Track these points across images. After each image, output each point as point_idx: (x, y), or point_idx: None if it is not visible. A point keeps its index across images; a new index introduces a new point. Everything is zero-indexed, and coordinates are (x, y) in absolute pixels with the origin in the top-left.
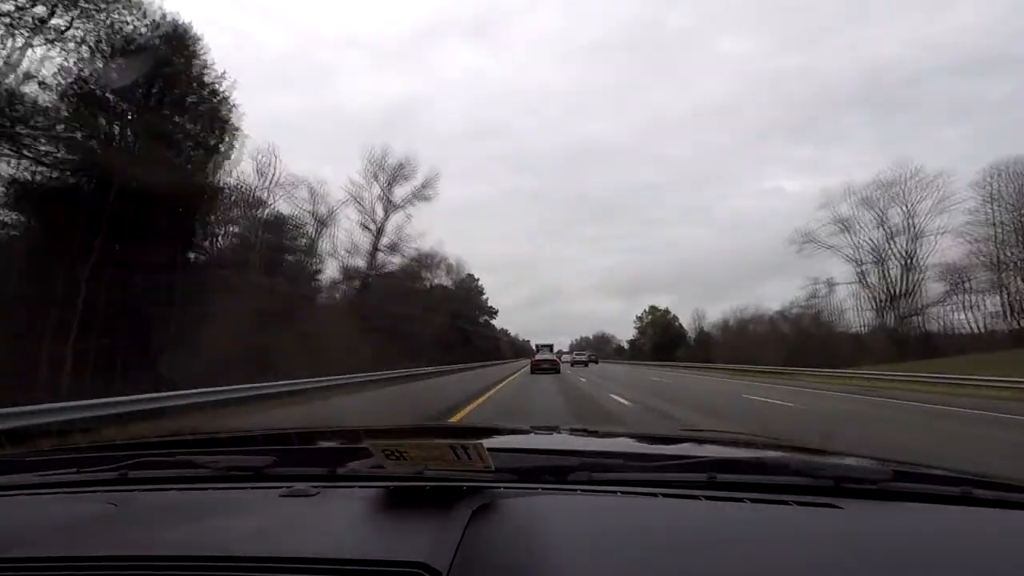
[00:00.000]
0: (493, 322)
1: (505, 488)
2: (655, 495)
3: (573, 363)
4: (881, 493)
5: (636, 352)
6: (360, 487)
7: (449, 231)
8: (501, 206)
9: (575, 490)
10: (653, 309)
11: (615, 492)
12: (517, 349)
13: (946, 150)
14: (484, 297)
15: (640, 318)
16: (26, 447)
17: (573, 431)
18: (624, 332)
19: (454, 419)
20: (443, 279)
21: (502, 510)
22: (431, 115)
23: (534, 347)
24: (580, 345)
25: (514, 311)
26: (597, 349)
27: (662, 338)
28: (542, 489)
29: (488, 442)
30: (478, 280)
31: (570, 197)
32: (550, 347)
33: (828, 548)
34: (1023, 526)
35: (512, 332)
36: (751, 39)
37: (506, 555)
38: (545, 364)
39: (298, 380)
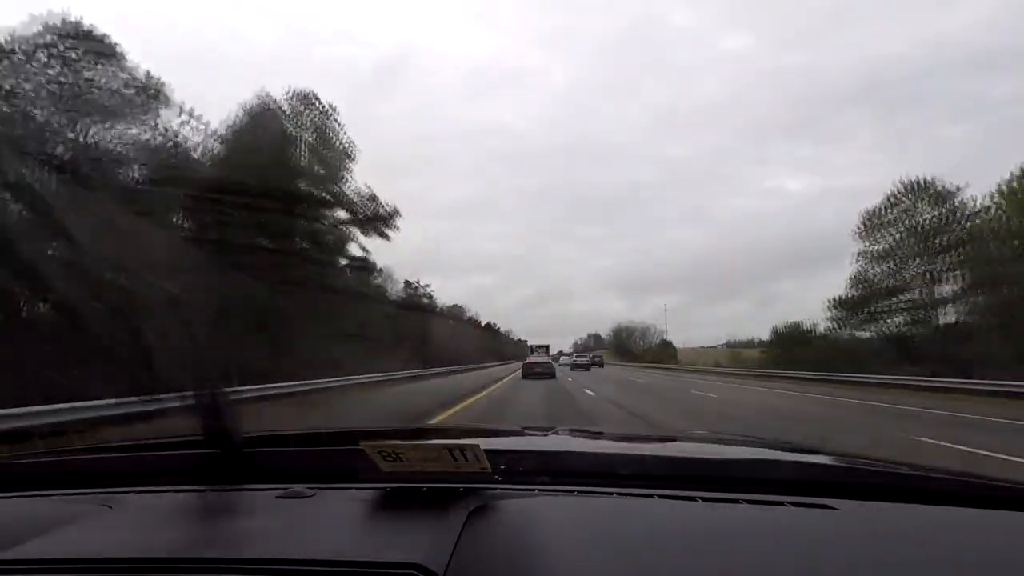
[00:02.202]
0: (373, 251)
1: (501, 489)
2: (651, 496)
3: (572, 367)
4: (877, 493)
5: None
6: (356, 488)
7: (449, 230)
8: (502, 205)
9: (571, 491)
10: None
11: (611, 493)
12: (502, 349)
13: (949, 149)
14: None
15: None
16: (23, 448)
17: (570, 432)
18: (674, 319)
19: None
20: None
21: (498, 511)
22: (431, 112)
23: (529, 348)
24: (585, 345)
25: (516, 311)
26: (617, 349)
27: None
28: (538, 491)
29: (484, 443)
30: (325, 105)
31: (571, 197)
32: (546, 348)
33: (824, 548)
34: (1019, 526)
35: (503, 327)
36: (754, 35)
37: (502, 557)
38: (538, 368)
39: None
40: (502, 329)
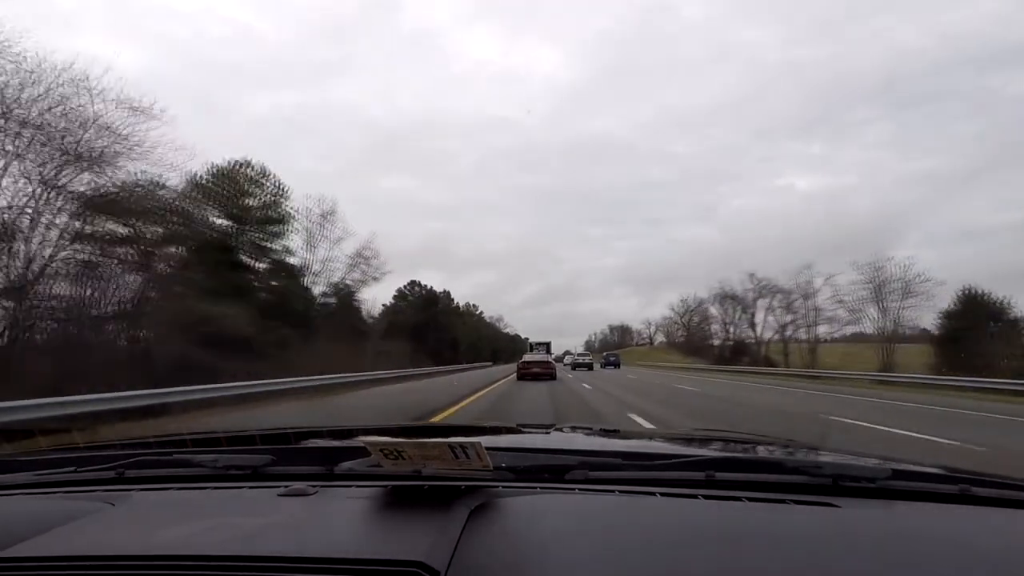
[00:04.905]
0: None
1: (503, 487)
2: (653, 494)
3: (575, 366)
4: (879, 491)
5: None
6: (358, 486)
7: (453, 228)
8: (507, 204)
9: (573, 489)
10: None
11: (613, 491)
12: (481, 345)
13: (962, 147)
14: None
15: None
16: (24, 445)
17: (572, 429)
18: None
19: None
20: None
21: (500, 509)
22: (433, 111)
23: (529, 346)
24: (605, 342)
25: (524, 310)
26: (684, 344)
27: None
28: (540, 488)
29: (486, 441)
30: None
31: (578, 196)
32: (546, 346)
33: (826, 547)
34: (1022, 524)
35: (489, 316)
36: (767, 28)
37: (504, 554)
38: (535, 368)
39: None
40: (487, 315)
